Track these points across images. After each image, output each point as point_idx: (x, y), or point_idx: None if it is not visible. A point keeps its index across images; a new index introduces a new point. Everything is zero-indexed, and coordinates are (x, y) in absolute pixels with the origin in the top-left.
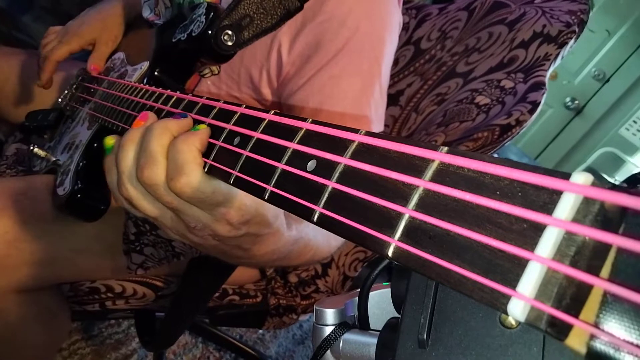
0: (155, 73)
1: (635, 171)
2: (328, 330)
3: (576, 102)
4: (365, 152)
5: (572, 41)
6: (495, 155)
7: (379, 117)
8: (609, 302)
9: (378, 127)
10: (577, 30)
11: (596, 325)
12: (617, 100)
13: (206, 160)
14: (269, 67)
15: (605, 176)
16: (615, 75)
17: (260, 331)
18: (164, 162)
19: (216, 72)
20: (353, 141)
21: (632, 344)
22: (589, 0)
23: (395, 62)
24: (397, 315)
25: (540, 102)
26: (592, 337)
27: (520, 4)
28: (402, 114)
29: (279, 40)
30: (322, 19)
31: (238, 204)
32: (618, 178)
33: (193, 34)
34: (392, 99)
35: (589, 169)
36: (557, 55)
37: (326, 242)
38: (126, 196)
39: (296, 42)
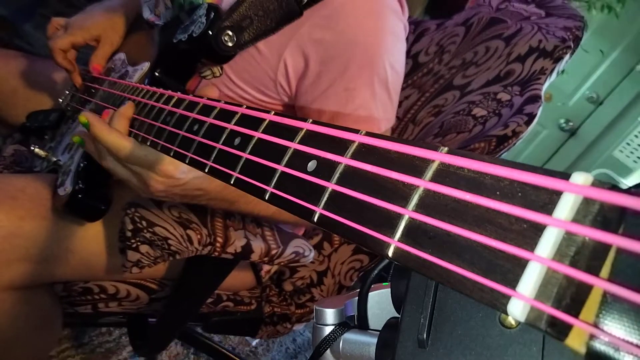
0: (156, 74)
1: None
2: (328, 330)
3: (570, 123)
4: (365, 153)
5: (567, 56)
6: None
7: (386, 115)
8: (608, 302)
9: (385, 125)
10: (572, 45)
11: (596, 325)
12: (611, 122)
13: (206, 161)
14: (276, 78)
15: None
16: (609, 98)
17: (253, 344)
18: (104, 155)
19: (218, 74)
20: (353, 141)
21: (632, 344)
22: (584, 19)
23: None
24: (397, 315)
25: (536, 114)
26: (592, 337)
27: (516, 20)
28: (399, 125)
29: (286, 52)
30: (330, 32)
31: (169, 159)
32: None
33: (194, 35)
34: None
35: None
36: (553, 69)
37: None
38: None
39: (305, 55)
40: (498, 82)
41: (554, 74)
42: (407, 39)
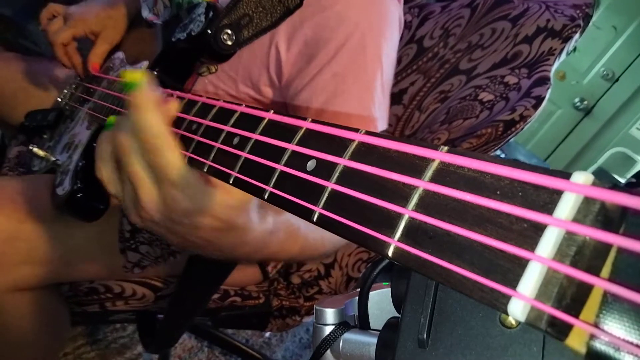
0: (155, 72)
1: None
2: (328, 329)
3: (585, 102)
4: (365, 152)
5: (577, 35)
6: (503, 155)
7: (382, 114)
8: (609, 302)
9: (382, 124)
10: (581, 24)
11: (596, 325)
12: (627, 99)
13: (205, 161)
14: (268, 65)
15: (617, 176)
16: (625, 75)
17: (267, 335)
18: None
19: (214, 70)
20: (353, 141)
21: (632, 343)
22: None
23: (398, 60)
24: (397, 315)
25: (544, 97)
26: (592, 337)
27: None
28: (405, 113)
29: (277, 38)
30: (321, 17)
31: (221, 196)
32: (629, 178)
33: (192, 34)
34: (396, 98)
35: (599, 170)
36: (562, 49)
37: (319, 237)
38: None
39: (294, 39)
40: (505, 64)
41: (563, 54)
42: (411, 22)
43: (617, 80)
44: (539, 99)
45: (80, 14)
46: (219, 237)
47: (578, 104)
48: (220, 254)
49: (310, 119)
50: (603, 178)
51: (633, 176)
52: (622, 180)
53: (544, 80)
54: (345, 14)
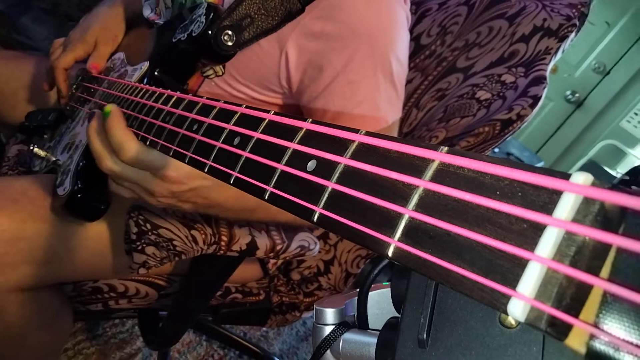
0: (156, 73)
1: (637, 163)
2: (328, 329)
3: (577, 95)
4: (365, 152)
5: (572, 34)
6: (497, 149)
7: (392, 107)
8: (608, 302)
9: (393, 116)
10: (577, 23)
11: (596, 325)
12: (617, 92)
13: (205, 160)
14: (278, 72)
15: (607, 169)
16: (616, 68)
17: (264, 328)
18: (107, 155)
19: (220, 73)
20: (353, 141)
21: (631, 343)
22: None
23: None
24: (397, 315)
25: (541, 97)
26: (592, 337)
27: None
28: (402, 111)
29: (287, 46)
30: (332, 25)
31: (174, 165)
32: (620, 170)
33: (193, 34)
34: None
35: (590, 162)
36: (558, 49)
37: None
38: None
39: (306, 48)
40: (502, 63)
41: (559, 53)
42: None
43: (608, 73)
44: (536, 98)
45: (78, 35)
46: (214, 190)
47: (569, 96)
48: (223, 209)
49: (310, 120)
50: (594, 170)
51: (626, 173)
52: (613, 173)
53: (541, 80)
54: (357, 25)
